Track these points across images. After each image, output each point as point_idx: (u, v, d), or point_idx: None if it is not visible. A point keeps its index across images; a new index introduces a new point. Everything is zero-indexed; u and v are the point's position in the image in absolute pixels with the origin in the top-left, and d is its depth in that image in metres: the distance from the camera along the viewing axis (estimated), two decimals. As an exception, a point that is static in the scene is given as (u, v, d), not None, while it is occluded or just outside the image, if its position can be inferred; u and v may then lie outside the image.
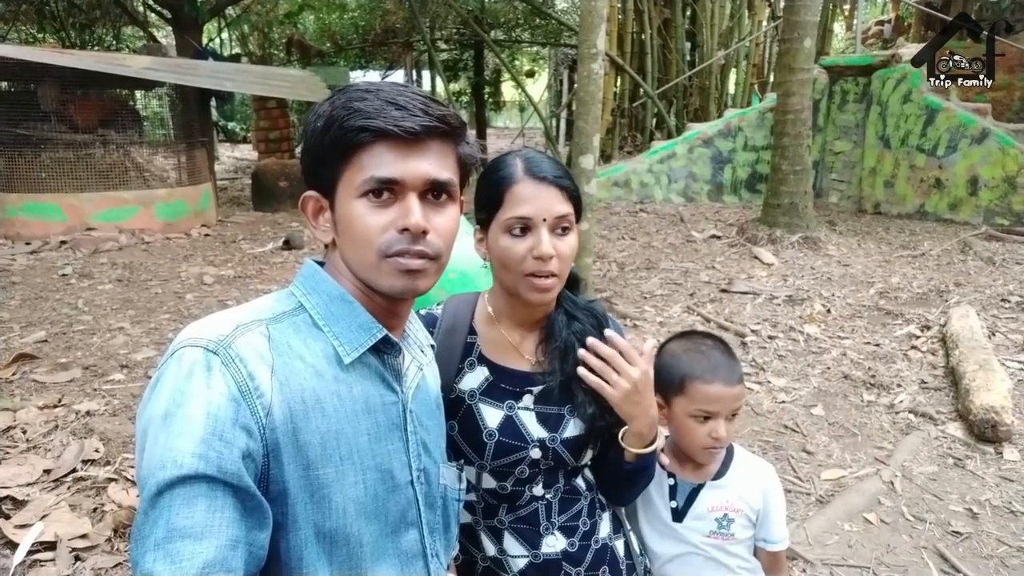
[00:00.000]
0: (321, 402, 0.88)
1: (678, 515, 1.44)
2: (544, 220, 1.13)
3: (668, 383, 1.39)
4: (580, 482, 1.30)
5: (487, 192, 1.19)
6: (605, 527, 1.32)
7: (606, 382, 1.16)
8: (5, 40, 14.44)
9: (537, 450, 1.21)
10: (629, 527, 1.41)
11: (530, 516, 1.25)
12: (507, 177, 1.16)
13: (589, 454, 1.28)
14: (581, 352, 1.18)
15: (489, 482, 1.24)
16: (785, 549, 1.45)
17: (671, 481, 1.45)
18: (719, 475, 1.44)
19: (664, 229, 8.88)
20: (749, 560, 1.46)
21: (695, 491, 1.44)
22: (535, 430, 1.22)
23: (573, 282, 1.31)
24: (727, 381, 1.36)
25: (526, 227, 1.14)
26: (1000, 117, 9.10)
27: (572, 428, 1.23)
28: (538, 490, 1.25)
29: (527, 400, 1.24)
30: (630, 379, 1.15)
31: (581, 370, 1.17)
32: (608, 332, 1.20)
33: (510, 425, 1.22)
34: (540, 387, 1.24)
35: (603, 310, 1.31)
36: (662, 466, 1.43)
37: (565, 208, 1.15)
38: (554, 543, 1.25)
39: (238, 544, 0.75)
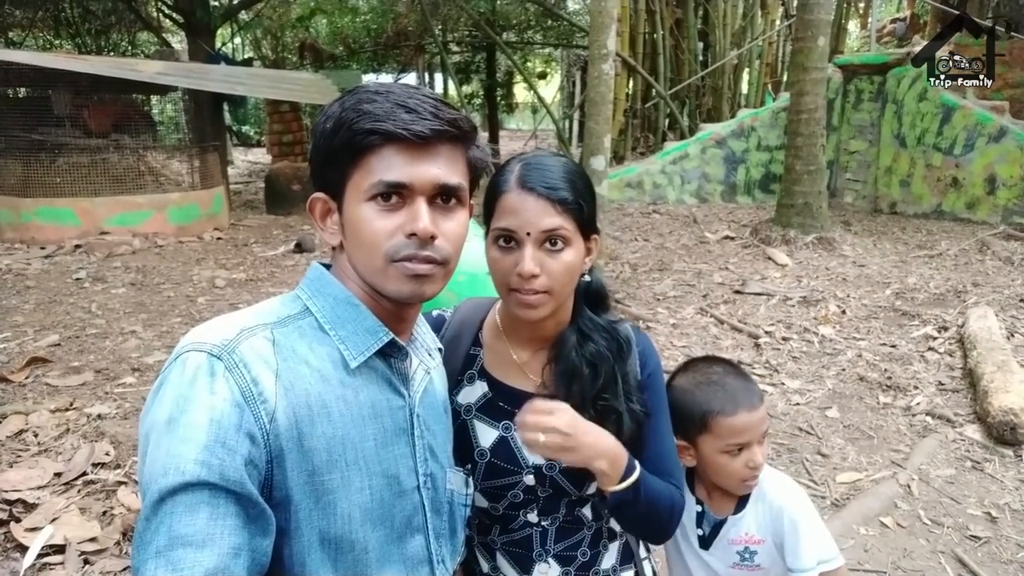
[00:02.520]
0: (327, 407, 0.87)
1: (705, 542, 1.39)
2: (528, 234, 1.05)
3: (688, 423, 1.32)
4: (586, 511, 1.20)
5: (485, 199, 1.13)
6: (610, 558, 1.24)
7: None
8: (22, 46, 14.61)
9: (531, 476, 1.15)
10: (645, 555, 1.31)
11: (523, 540, 1.19)
12: (499, 185, 1.10)
13: (595, 484, 1.17)
14: (517, 420, 1.06)
15: (481, 501, 1.18)
16: None
17: (698, 508, 1.40)
18: (738, 508, 1.37)
19: (677, 230, 8.83)
20: None
21: (719, 524, 1.39)
22: (532, 455, 1.14)
23: (596, 299, 1.20)
24: (750, 407, 1.29)
25: (511, 239, 1.07)
26: (1018, 115, 8.98)
27: None
28: (532, 516, 1.18)
29: None
30: (556, 431, 1.02)
31: (527, 435, 1.04)
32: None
33: (504, 447, 1.16)
34: None
35: (628, 334, 1.19)
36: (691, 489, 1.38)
37: (554, 221, 1.05)
38: (546, 570, 1.19)
39: (240, 552, 0.74)
